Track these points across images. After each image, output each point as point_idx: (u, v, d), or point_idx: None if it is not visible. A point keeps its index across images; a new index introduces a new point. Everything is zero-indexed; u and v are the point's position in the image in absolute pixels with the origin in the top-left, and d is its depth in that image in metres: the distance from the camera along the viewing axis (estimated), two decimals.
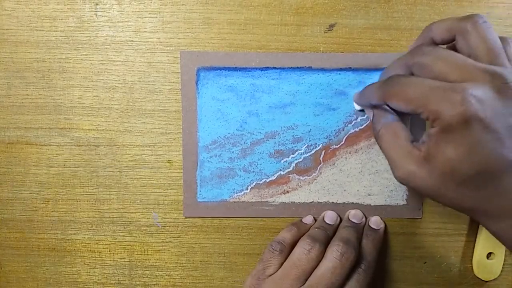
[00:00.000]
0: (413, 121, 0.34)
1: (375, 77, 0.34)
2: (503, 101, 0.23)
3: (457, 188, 0.24)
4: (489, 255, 0.35)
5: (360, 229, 0.34)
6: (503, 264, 0.36)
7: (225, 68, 0.34)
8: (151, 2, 0.34)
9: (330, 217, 0.34)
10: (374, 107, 0.30)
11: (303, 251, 0.31)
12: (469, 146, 0.23)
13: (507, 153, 0.23)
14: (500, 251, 0.35)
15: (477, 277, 0.36)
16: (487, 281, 0.36)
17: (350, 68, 0.34)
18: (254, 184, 0.35)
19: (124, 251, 0.36)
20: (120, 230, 0.36)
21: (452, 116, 0.23)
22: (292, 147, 0.35)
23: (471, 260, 0.36)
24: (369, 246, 0.32)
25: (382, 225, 0.35)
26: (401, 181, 0.27)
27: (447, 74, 0.24)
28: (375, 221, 0.35)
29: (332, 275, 0.29)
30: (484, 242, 0.35)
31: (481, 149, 0.23)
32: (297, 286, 0.30)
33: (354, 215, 0.35)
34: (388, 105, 0.28)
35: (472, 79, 0.24)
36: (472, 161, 0.23)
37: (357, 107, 0.34)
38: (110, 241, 0.36)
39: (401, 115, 0.29)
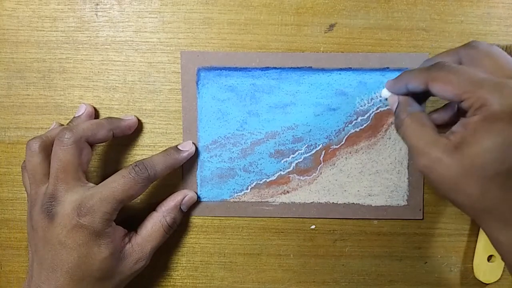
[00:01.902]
0: None
1: (375, 77, 0.34)
2: None
3: (481, 184, 0.24)
4: (489, 257, 0.35)
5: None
6: (504, 267, 0.35)
7: (225, 68, 0.34)
8: (151, 2, 0.34)
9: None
10: (404, 95, 0.30)
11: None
12: (509, 140, 0.23)
13: None
14: None
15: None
16: (487, 284, 0.36)
17: (350, 68, 0.34)
18: (254, 184, 0.35)
19: None
20: None
21: (500, 105, 0.23)
22: (292, 147, 0.35)
23: (472, 260, 0.36)
24: None
25: None
26: (424, 168, 0.26)
27: (494, 71, 0.25)
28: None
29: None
30: (485, 244, 0.35)
31: None
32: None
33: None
34: (426, 93, 0.28)
35: None
36: (506, 157, 0.23)
37: (385, 94, 0.32)
38: None
39: None
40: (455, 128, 0.25)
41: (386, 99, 0.32)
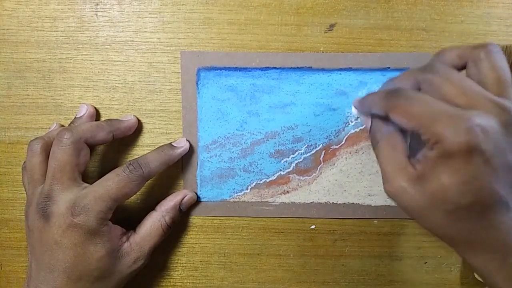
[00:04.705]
0: (413, 134, 0.34)
1: (375, 77, 0.34)
2: (506, 136, 0.23)
3: (444, 216, 0.24)
4: None
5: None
6: None
7: (225, 68, 0.34)
8: (151, 2, 0.34)
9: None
10: (373, 115, 0.29)
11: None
12: (466, 176, 0.23)
13: (501, 188, 0.23)
14: None
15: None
16: None
17: (350, 68, 0.34)
18: (254, 184, 0.35)
19: None
20: None
21: (455, 143, 0.22)
22: (292, 147, 0.35)
23: None
24: None
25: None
26: (390, 195, 0.26)
27: (455, 97, 0.24)
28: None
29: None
30: None
31: (477, 181, 0.23)
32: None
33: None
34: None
35: (479, 107, 0.23)
36: (466, 191, 0.23)
37: (354, 112, 0.34)
38: None
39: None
40: (419, 155, 0.25)
41: (358, 117, 0.33)
